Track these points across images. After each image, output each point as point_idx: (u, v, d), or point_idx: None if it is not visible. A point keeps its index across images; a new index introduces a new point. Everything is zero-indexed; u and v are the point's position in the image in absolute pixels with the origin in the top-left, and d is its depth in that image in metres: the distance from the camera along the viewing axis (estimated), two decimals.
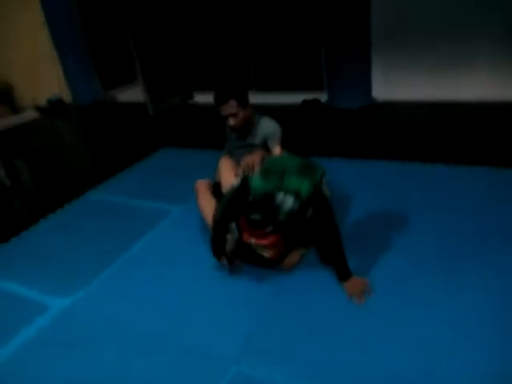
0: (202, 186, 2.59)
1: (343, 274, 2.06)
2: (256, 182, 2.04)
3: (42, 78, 6.80)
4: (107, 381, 1.77)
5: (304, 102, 4.79)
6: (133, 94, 6.31)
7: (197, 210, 2.70)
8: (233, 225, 2.22)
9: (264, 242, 1.93)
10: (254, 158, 2.18)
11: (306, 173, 2.02)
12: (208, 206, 2.47)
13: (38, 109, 6.54)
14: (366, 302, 1.97)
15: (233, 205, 2.15)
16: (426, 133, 3.75)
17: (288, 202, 1.91)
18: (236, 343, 1.86)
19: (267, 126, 2.59)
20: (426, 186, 2.88)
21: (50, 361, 1.91)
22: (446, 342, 1.72)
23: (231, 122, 2.50)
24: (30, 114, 6.56)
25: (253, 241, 1.95)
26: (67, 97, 6.67)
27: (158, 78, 5.59)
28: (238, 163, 2.50)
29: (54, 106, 6.43)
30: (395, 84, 4.56)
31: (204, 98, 5.79)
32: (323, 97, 4.83)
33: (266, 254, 2.01)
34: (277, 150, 2.55)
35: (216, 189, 2.58)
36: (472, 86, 4.25)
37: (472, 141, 3.46)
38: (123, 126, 5.41)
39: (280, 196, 1.92)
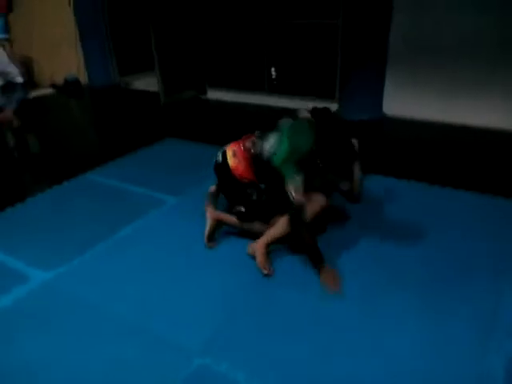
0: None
1: (317, 259, 2.18)
2: None
3: (62, 58, 6.87)
4: (69, 362, 1.79)
5: (314, 109, 4.79)
6: (148, 82, 6.37)
7: (191, 202, 2.75)
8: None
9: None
10: None
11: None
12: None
13: (55, 86, 6.62)
14: (339, 305, 1.98)
15: None
16: (429, 152, 3.73)
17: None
18: (204, 335, 1.88)
19: None
20: (420, 205, 2.87)
21: (20, 332, 1.94)
22: (409, 359, 1.71)
23: None
24: (46, 91, 6.64)
25: None
26: (84, 78, 6.75)
27: (173, 69, 5.64)
28: None
29: (70, 85, 6.51)
30: (406, 101, 4.54)
31: (216, 95, 5.83)
32: (333, 106, 4.83)
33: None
34: None
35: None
36: (484, 111, 4.21)
37: (475, 166, 3.44)
38: (133, 113, 5.46)
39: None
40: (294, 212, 2.18)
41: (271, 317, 1.97)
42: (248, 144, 2.44)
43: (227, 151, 2.50)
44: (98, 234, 2.67)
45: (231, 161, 2.45)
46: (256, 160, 2.38)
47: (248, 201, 2.44)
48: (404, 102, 4.55)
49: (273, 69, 5.45)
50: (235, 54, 5.62)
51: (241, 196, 2.46)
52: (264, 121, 4.93)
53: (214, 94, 5.88)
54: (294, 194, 2.14)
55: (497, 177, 3.24)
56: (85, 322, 1.99)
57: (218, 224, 2.55)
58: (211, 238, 2.52)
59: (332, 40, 4.81)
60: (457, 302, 1.99)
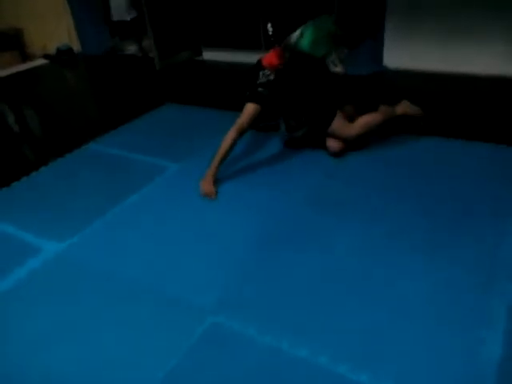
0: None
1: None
2: None
3: (53, 27, 6.69)
4: (83, 327, 1.86)
5: None
6: (143, 46, 6.23)
7: (194, 167, 2.78)
8: None
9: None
10: None
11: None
12: None
13: (47, 57, 6.49)
14: (345, 259, 2.03)
15: None
16: (432, 103, 3.68)
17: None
18: (215, 294, 1.94)
19: None
20: (420, 156, 2.87)
21: (34, 304, 2.01)
22: (418, 304, 1.77)
23: None
24: (39, 62, 6.52)
25: None
26: (77, 46, 6.60)
27: (167, 32, 5.49)
28: None
29: (63, 55, 6.38)
30: (407, 53, 4.43)
31: (212, 56, 5.70)
32: None
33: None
34: None
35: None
36: (485, 59, 4.11)
37: (478, 115, 3.40)
38: (130, 79, 5.37)
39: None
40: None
41: (280, 275, 2.03)
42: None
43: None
44: (105, 202, 2.71)
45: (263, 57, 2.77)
46: (285, 48, 2.64)
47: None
48: (406, 53, 4.44)
49: (269, 25, 5.28)
50: (228, 10, 5.43)
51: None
52: None
53: (209, 55, 5.75)
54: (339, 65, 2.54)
55: (499, 125, 3.21)
56: (99, 288, 2.05)
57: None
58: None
59: None
60: (458, 248, 2.04)
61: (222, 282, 2.02)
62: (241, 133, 2.70)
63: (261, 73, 2.69)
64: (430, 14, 4.22)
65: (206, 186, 2.69)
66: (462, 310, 1.74)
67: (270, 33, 5.46)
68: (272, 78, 2.66)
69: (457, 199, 2.41)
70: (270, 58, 2.71)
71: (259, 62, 2.77)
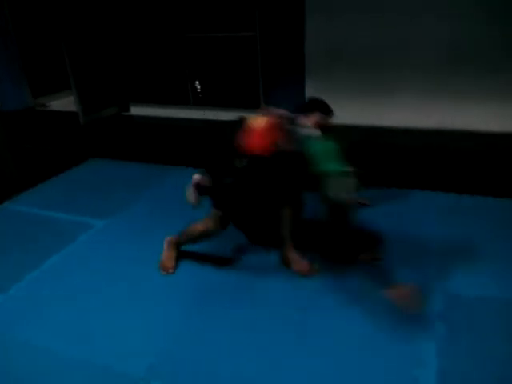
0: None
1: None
2: None
3: None
4: None
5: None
6: (65, 102, 6.07)
7: (121, 224, 2.63)
8: None
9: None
10: None
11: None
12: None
13: None
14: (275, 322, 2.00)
15: None
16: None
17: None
18: (148, 360, 1.81)
19: None
20: None
21: None
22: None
23: None
24: None
25: None
26: None
27: (91, 87, 5.43)
28: None
29: None
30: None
31: (141, 111, 5.70)
32: None
33: None
34: None
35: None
36: (395, 112, 4.52)
37: (388, 165, 3.66)
38: (51, 135, 5.16)
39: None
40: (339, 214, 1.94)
41: (213, 336, 1.94)
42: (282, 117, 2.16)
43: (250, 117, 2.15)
44: (23, 266, 2.49)
45: (256, 121, 2.11)
46: (289, 134, 2.07)
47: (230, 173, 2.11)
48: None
49: (197, 82, 5.44)
50: (157, 68, 5.53)
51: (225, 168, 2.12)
52: (190, 134, 4.91)
53: (137, 110, 5.74)
54: (344, 195, 1.89)
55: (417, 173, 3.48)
56: (21, 362, 1.84)
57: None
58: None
59: (252, 51, 4.91)
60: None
61: (152, 347, 1.89)
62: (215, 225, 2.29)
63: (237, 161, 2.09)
64: (346, 72, 4.61)
65: (165, 259, 2.42)
66: (395, 353, 1.77)
67: (198, 89, 5.63)
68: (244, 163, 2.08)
69: None
70: (259, 139, 2.05)
71: (237, 138, 2.08)
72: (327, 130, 2.18)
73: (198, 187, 2.23)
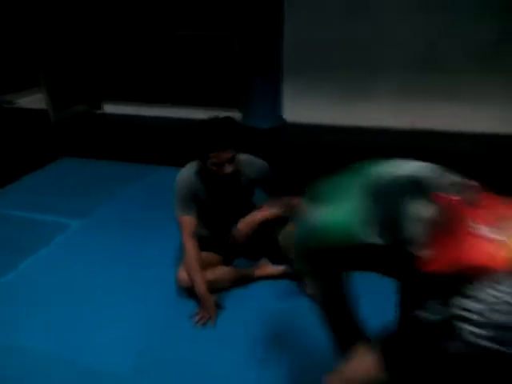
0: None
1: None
2: None
3: None
4: None
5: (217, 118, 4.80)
6: (34, 99, 5.85)
7: (98, 224, 2.53)
8: None
9: None
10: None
11: None
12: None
13: None
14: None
15: None
16: (331, 156, 3.94)
17: None
18: (131, 360, 1.77)
19: (255, 165, 2.10)
20: None
21: None
22: None
23: (229, 169, 1.87)
24: None
25: None
26: None
27: (62, 84, 5.25)
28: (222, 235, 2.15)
29: None
30: (304, 107, 4.77)
31: (115, 109, 5.56)
32: (237, 115, 4.89)
33: None
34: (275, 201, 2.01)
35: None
36: (371, 113, 4.59)
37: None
38: (20, 133, 4.95)
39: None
40: None
41: (199, 334, 1.90)
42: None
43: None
44: None
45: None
46: None
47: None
48: (303, 108, 4.77)
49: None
50: (132, 66, 5.42)
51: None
52: (166, 133, 4.81)
53: (111, 108, 5.60)
54: None
55: None
56: (3, 364, 1.77)
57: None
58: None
59: (231, 50, 4.88)
60: None
61: (136, 346, 1.83)
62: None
63: None
64: (323, 72, 4.64)
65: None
66: None
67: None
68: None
69: None
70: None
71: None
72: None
73: None
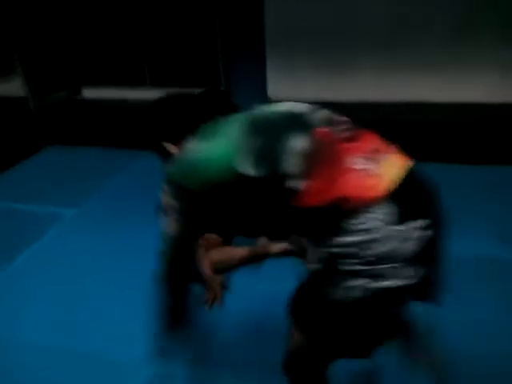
0: None
1: None
2: None
3: None
4: None
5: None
6: (10, 86, 5.68)
7: (92, 212, 2.52)
8: None
9: None
10: None
11: None
12: None
13: None
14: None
15: None
16: None
17: None
18: (138, 349, 1.78)
19: None
20: None
21: None
22: None
23: None
24: None
25: None
26: None
27: (40, 70, 5.11)
28: None
29: None
30: (288, 83, 4.75)
31: (93, 93, 5.45)
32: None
33: None
34: None
35: None
36: (356, 87, 4.61)
37: None
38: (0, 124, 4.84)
39: None
40: None
41: (204, 321, 1.95)
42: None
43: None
44: None
45: None
46: None
47: None
48: (286, 84, 4.75)
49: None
50: (110, 48, 5.28)
51: None
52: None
53: (91, 93, 5.49)
54: None
55: None
56: (7, 358, 1.79)
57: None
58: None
59: (211, 27, 4.79)
60: None
61: (141, 335, 1.82)
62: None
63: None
64: (305, 47, 4.61)
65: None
66: None
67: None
68: None
69: None
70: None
71: None
72: None
73: None
